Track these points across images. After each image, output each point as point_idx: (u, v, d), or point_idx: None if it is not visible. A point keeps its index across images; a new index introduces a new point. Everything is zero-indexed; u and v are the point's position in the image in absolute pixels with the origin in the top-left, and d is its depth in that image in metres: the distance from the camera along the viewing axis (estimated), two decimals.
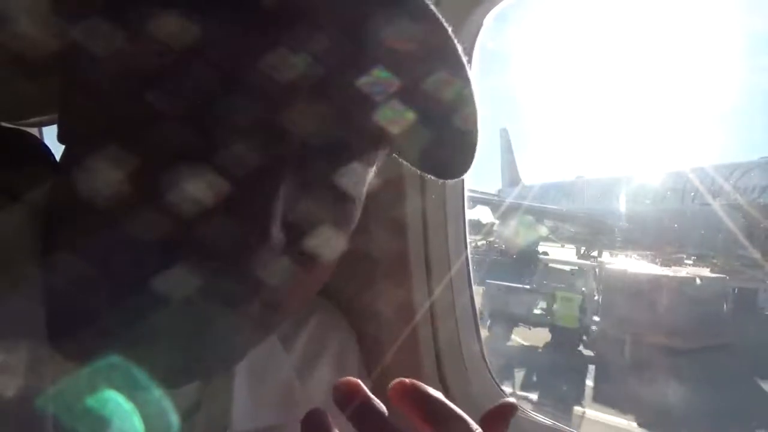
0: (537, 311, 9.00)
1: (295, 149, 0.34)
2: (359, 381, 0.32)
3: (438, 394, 0.34)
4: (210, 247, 0.32)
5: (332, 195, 0.37)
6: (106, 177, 0.32)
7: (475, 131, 0.42)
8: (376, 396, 0.34)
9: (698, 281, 8.89)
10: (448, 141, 0.42)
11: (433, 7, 0.35)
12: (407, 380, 0.34)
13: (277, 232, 0.33)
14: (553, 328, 8.50)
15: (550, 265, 10.23)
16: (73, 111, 0.36)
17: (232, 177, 0.32)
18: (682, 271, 9.63)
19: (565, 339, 8.28)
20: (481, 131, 0.42)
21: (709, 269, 10.23)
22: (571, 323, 8.31)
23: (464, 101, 0.40)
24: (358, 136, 0.38)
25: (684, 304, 8.17)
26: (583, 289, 9.14)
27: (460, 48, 0.37)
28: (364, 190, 0.41)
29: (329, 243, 0.37)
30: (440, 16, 0.36)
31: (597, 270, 9.90)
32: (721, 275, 9.67)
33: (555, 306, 8.53)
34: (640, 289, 8.48)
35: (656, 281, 8.62)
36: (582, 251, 12.68)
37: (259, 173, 0.33)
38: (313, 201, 0.36)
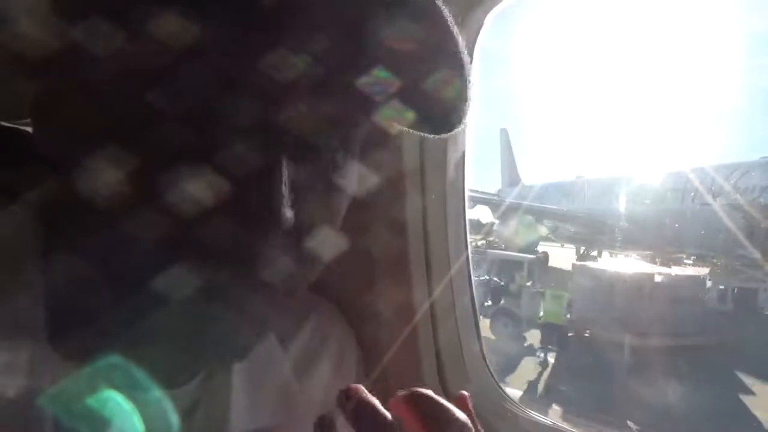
0: (486, 303, 9.05)
1: (295, 149, 0.34)
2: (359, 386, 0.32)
3: (437, 397, 0.34)
4: (210, 246, 0.33)
5: (328, 192, 0.38)
6: (106, 177, 0.32)
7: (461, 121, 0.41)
8: (376, 396, 0.34)
9: (657, 278, 8.74)
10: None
11: (437, 3, 0.35)
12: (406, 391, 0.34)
13: (279, 232, 0.33)
14: (492, 320, 8.56)
15: (501, 259, 10.27)
16: (73, 111, 0.36)
17: (232, 177, 0.32)
18: (653, 269, 9.51)
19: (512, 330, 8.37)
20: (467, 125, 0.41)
21: (708, 269, 10.20)
22: (557, 320, 8.34)
23: (463, 99, 0.40)
24: (358, 136, 0.38)
25: (644, 301, 8.07)
26: (528, 282, 9.29)
27: (462, 46, 0.37)
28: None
29: (325, 239, 0.38)
30: (444, 13, 0.36)
31: (537, 261, 10.05)
32: (698, 273, 9.56)
33: (543, 302, 8.58)
34: (600, 286, 8.49)
35: (615, 278, 8.60)
36: (582, 251, 12.68)
37: (258, 173, 0.33)
38: (310, 199, 0.36)
